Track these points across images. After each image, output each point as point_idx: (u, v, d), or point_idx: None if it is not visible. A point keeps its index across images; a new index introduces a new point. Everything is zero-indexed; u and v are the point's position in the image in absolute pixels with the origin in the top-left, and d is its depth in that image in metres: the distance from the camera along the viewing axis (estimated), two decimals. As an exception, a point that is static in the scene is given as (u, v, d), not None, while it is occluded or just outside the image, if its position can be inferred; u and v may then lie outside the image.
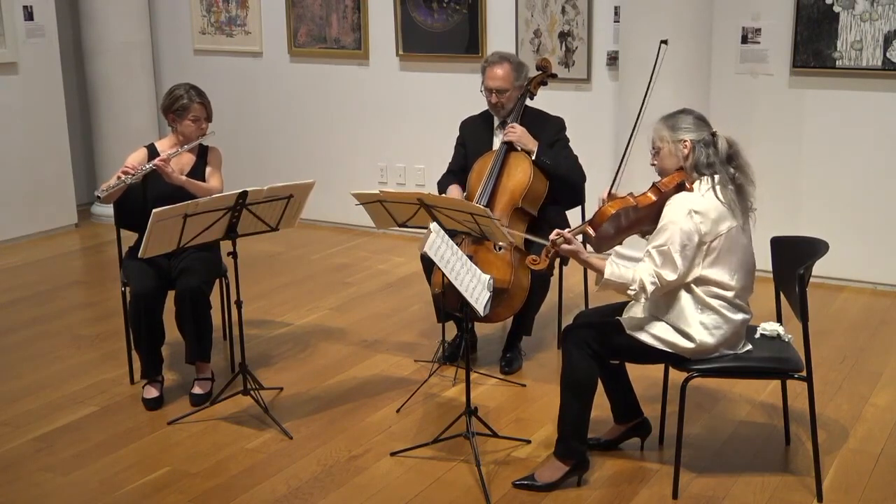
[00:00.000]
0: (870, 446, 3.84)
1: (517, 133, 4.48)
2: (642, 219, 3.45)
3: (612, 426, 3.84)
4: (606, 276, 3.31)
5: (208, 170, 4.47)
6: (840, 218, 5.67)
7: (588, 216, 4.79)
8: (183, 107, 4.34)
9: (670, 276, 3.30)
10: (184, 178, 4.30)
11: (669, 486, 3.50)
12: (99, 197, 4.24)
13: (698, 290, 3.36)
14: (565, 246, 3.35)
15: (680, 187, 3.39)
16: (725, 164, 3.39)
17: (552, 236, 3.39)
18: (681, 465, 3.49)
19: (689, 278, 3.34)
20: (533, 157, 4.46)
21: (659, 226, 3.34)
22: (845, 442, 3.88)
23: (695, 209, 3.29)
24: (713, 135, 3.42)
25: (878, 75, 5.43)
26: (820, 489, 3.46)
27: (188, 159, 4.44)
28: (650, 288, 3.30)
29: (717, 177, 3.36)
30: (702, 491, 3.52)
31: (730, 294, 3.36)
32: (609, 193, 3.51)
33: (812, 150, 5.74)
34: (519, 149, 4.51)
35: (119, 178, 4.22)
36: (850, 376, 4.50)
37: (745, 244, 3.41)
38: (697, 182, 3.38)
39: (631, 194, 3.45)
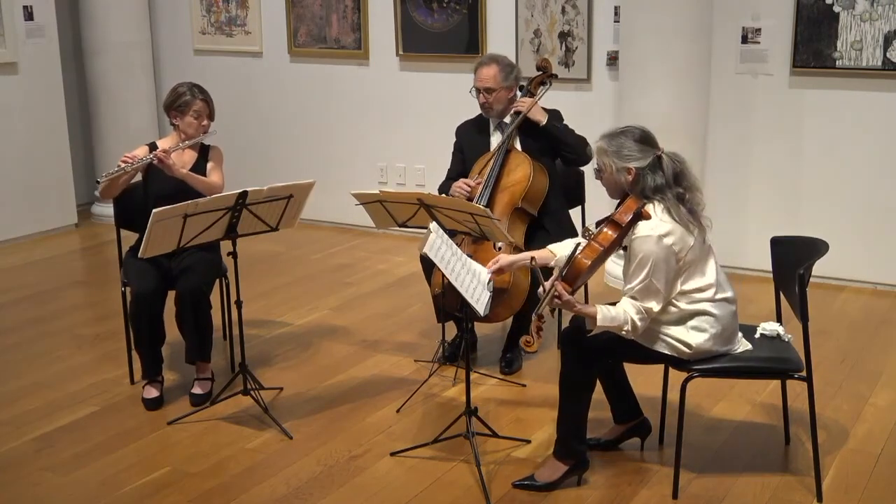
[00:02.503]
0: (870, 446, 3.84)
1: (527, 103, 4.50)
2: (607, 252, 3.39)
3: (612, 426, 3.84)
4: (599, 322, 3.31)
5: (209, 165, 4.47)
6: (840, 218, 5.67)
7: (586, 214, 4.84)
8: (185, 103, 4.34)
9: (656, 306, 3.32)
10: (185, 171, 4.29)
11: (669, 486, 3.50)
12: (98, 182, 4.24)
13: (681, 304, 3.37)
14: (557, 300, 3.28)
15: (637, 217, 3.31)
16: (673, 186, 3.34)
17: (547, 286, 3.29)
18: (681, 465, 3.50)
19: (671, 295, 3.36)
20: (543, 123, 4.46)
21: (634, 263, 3.31)
22: (845, 442, 3.88)
23: (661, 234, 3.28)
24: (659, 157, 3.36)
25: (878, 75, 5.43)
26: (820, 489, 3.46)
27: (190, 157, 4.44)
28: (640, 324, 3.32)
29: (665, 200, 3.32)
30: (702, 491, 3.52)
31: (710, 293, 3.37)
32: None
33: (812, 150, 5.74)
34: (518, 143, 4.50)
35: (119, 166, 4.21)
36: (850, 376, 4.50)
37: (707, 248, 3.42)
38: (651, 206, 3.33)
39: (587, 230, 3.37)
